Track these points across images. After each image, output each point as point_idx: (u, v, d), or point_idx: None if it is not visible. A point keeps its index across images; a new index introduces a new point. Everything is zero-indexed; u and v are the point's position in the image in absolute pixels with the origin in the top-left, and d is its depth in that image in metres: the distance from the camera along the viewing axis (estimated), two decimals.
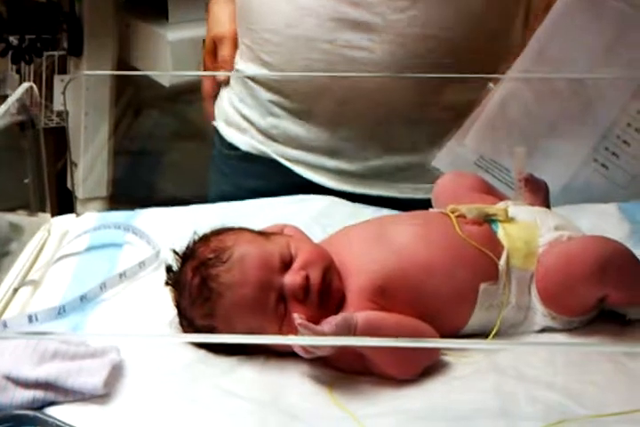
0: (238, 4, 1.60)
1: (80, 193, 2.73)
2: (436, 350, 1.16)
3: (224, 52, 1.67)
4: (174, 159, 3.03)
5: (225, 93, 1.69)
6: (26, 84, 1.45)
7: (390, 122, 1.52)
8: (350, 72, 1.47)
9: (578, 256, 1.19)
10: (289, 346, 1.15)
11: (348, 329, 1.10)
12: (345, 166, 1.58)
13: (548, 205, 1.39)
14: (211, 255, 1.17)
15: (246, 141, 1.64)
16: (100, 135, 2.79)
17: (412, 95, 1.50)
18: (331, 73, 1.48)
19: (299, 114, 1.56)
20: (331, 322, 1.10)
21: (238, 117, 1.64)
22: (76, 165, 2.77)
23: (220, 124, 1.69)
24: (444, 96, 1.52)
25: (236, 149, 1.66)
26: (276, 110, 1.58)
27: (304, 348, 1.09)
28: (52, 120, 2.78)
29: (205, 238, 1.22)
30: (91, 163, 2.79)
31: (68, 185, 2.72)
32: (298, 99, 1.54)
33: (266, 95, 1.58)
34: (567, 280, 1.19)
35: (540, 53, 1.48)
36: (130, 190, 2.77)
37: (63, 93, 2.44)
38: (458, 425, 1.04)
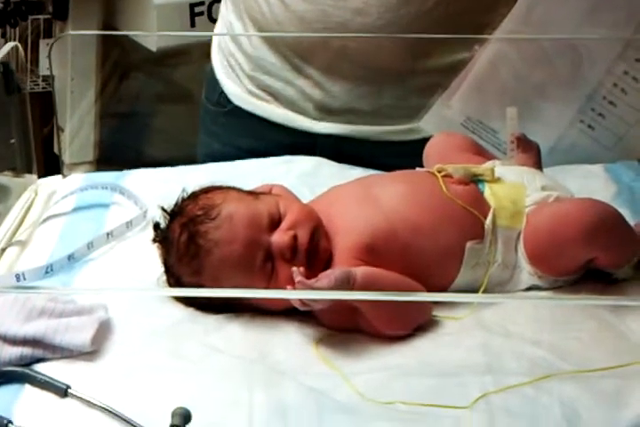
0: None
1: (67, 158, 2.71)
2: (428, 309, 1.17)
3: None
4: (161, 123, 3.01)
5: (222, 46, 1.67)
6: (11, 44, 1.45)
7: (383, 76, 1.52)
8: (344, 22, 1.46)
9: (568, 218, 1.19)
10: (276, 304, 1.16)
11: (347, 283, 1.10)
12: (335, 129, 1.58)
13: (539, 167, 1.39)
14: (199, 212, 1.17)
15: (239, 95, 1.63)
16: (86, 100, 2.77)
17: (404, 50, 1.49)
18: (321, 34, 1.47)
19: (293, 70, 1.55)
20: (329, 276, 1.10)
21: (237, 71, 1.64)
22: (62, 130, 2.76)
23: (219, 73, 1.68)
24: (433, 53, 1.51)
25: (224, 105, 1.66)
26: (269, 68, 1.57)
27: (301, 300, 1.09)
28: (38, 85, 2.76)
29: (194, 196, 1.22)
30: (77, 127, 2.77)
31: (55, 150, 2.71)
32: (292, 54, 1.53)
33: (258, 52, 1.57)
34: (556, 242, 1.19)
35: (526, 15, 1.47)
36: (116, 154, 2.76)
37: (49, 55, 2.42)
38: (446, 381, 1.05)
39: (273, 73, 1.57)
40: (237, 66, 1.62)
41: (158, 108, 3.04)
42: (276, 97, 1.58)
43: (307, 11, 1.47)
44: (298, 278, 1.09)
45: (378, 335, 1.14)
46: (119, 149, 2.82)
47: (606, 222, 1.19)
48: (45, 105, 2.44)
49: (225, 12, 1.64)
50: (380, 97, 1.54)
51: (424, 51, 1.49)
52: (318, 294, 1.11)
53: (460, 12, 1.46)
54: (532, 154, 1.41)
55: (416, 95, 1.54)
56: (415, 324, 1.16)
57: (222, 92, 1.66)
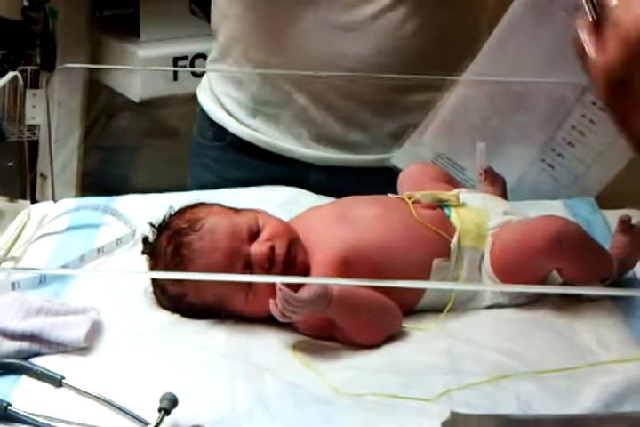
0: None
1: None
2: (399, 321, 1.27)
3: None
4: (145, 173, 3.11)
5: (212, 84, 1.76)
6: (11, 74, 1.52)
7: (369, 109, 1.62)
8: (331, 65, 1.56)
9: (534, 229, 1.30)
10: (258, 312, 1.24)
11: (325, 296, 1.19)
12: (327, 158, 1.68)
13: (505, 199, 1.50)
14: (184, 225, 1.27)
15: (235, 126, 1.71)
16: (69, 148, 2.88)
17: (388, 86, 1.59)
18: (304, 72, 1.58)
19: (285, 99, 1.64)
20: (309, 289, 1.19)
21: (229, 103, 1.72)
22: (45, 178, 2.85)
23: (209, 107, 1.76)
24: (413, 91, 1.62)
25: (219, 140, 1.75)
26: (262, 99, 1.67)
27: (281, 312, 1.18)
28: (24, 134, 2.85)
29: (180, 212, 1.32)
30: (60, 174, 2.86)
31: (37, 197, 2.79)
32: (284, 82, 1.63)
33: (251, 86, 1.67)
34: (523, 251, 1.28)
35: (492, 57, 1.58)
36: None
37: (46, 88, 2.54)
38: (412, 379, 1.14)
39: (267, 103, 1.66)
40: (229, 100, 1.71)
41: (140, 159, 3.14)
42: (270, 125, 1.68)
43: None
44: (279, 286, 1.18)
45: (351, 344, 1.23)
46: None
47: (570, 232, 1.29)
48: (29, 154, 2.54)
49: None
50: (368, 128, 1.64)
51: (407, 88, 1.61)
52: (310, 279, 1.22)
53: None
54: (498, 187, 1.52)
55: (400, 127, 1.64)
56: (386, 334, 1.24)
57: (217, 129, 1.74)
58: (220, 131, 1.73)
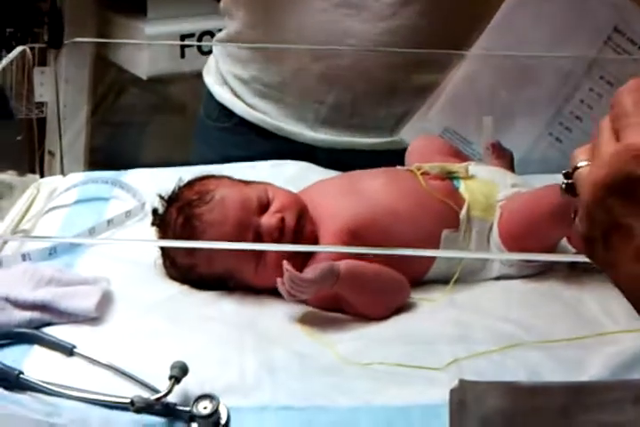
0: None
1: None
2: (407, 293, 1.27)
3: None
4: (153, 150, 3.12)
5: (219, 64, 1.75)
6: (20, 48, 1.53)
7: (375, 88, 1.62)
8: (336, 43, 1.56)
9: (540, 196, 1.31)
10: (266, 284, 1.24)
11: (331, 275, 1.20)
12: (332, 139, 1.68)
13: (513, 172, 1.50)
14: (195, 197, 1.28)
15: (241, 107, 1.71)
16: (77, 125, 2.88)
17: (393, 64, 1.59)
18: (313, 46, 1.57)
19: (290, 77, 1.64)
20: (315, 270, 1.20)
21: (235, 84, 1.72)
22: (53, 155, 2.86)
23: (215, 89, 1.76)
24: (419, 71, 1.61)
25: (223, 121, 1.75)
26: (267, 80, 1.66)
27: (288, 291, 1.19)
28: (32, 111, 2.86)
29: (190, 183, 1.32)
30: (68, 151, 2.86)
31: (45, 175, 2.80)
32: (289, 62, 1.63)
33: (257, 65, 1.67)
34: (530, 220, 1.29)
35: (500, 32, 1.59)
36: None
37: (55, 62, 2.53)
38: (420, 348, 1.15)
39: (273, 83, 1.66)
40: (236, 80, 1.71)
41: (147, 135, 3.14)
42: (275, 107, 1.68)
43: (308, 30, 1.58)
44: (286, 266, 1.18)
45: (358, 317, 1.24)
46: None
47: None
48: (38, 131, 2.54)
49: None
50: (375, 110, 1.64)
51: (414, 68, 1.60)
52: (320, 248, 1.23)
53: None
54: (505, 160, 1.52)
55: (406, 109, 1.64)
56: (394, 307, 1.25)
57: (222, 109, 1.74)
58: (225, 111, 1.73)
